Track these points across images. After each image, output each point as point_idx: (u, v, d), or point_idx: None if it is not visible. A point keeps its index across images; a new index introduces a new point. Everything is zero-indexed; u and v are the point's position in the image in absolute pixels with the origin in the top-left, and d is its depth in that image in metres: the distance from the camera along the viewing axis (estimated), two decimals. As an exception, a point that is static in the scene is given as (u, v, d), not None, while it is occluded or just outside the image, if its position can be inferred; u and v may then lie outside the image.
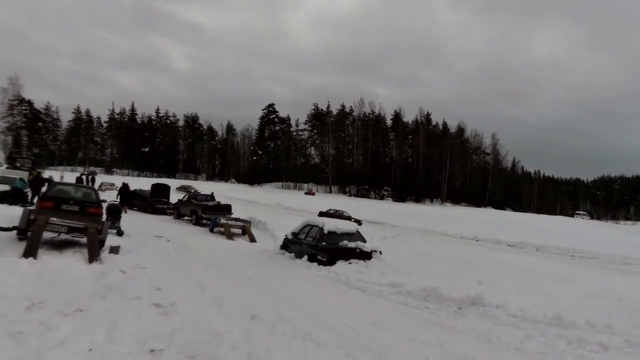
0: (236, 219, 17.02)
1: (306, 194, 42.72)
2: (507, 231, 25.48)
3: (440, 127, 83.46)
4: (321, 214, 26.82)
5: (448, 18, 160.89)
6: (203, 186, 38.61)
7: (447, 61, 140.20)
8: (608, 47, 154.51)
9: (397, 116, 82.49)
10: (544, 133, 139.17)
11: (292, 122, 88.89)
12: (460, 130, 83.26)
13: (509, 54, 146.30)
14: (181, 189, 38.75)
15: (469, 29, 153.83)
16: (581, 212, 79.45)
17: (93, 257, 7.17)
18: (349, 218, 27.60)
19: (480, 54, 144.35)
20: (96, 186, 28.33)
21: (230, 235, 15.36)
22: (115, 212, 11.71)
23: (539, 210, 77.38)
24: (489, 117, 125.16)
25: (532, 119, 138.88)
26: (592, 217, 78.94)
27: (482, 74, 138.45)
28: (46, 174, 23.38)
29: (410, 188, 72.13)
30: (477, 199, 73.53)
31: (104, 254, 7.75)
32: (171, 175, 76.10)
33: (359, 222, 26.57)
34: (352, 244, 10.27)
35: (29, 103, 72.65)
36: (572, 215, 71.32)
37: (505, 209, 68.73)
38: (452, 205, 67.03)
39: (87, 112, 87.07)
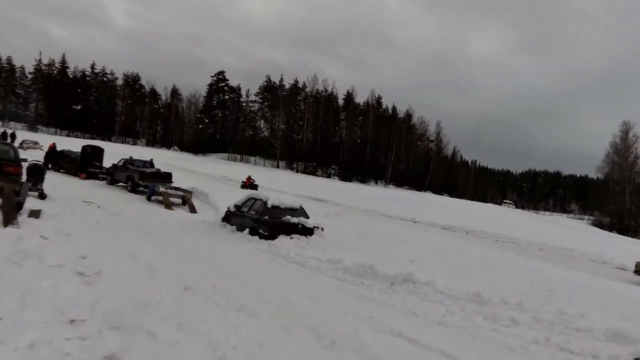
0: (176, 189, 16.32)
1: None
2: (442, 215, 27.03)
3: (390, 111, 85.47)
4: None
5: (398, 6, 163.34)
6: (142, 152, 36.32)
7: (397, 48, 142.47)
8: (541, 50, 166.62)
9: (349, 96, 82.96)
10: (482, 126, 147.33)
11: (243, 93, 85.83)
12: (408, 116, 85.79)
13: (452, 49, 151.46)
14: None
15: (417, 20, 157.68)
16: (508, 201, 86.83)
17: (9, 220, 6.52)
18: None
19: (427, 45, 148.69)
20: (16, 143, 25.63)
21: (169, 205, 14.74)
22: (37, 173, 10.66)
23: (472, 197, 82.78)
24: (433, 107, 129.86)
25: (471, 111, 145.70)
26: (517, 206, 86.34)
27: (427, 65, 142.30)
28: None
29: (356, 168, 73.67)
30: (419, 183, 76.99)
31: (22, 217, 7.07)
32: (106, 137, 70.84)
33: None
34: (294, 220, 10.34)
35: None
36: (500, 204, 77.46)
37: (443, 194, 72.75)
38: (395, 188, 69.64)
39: (9, 60, 77.20)
